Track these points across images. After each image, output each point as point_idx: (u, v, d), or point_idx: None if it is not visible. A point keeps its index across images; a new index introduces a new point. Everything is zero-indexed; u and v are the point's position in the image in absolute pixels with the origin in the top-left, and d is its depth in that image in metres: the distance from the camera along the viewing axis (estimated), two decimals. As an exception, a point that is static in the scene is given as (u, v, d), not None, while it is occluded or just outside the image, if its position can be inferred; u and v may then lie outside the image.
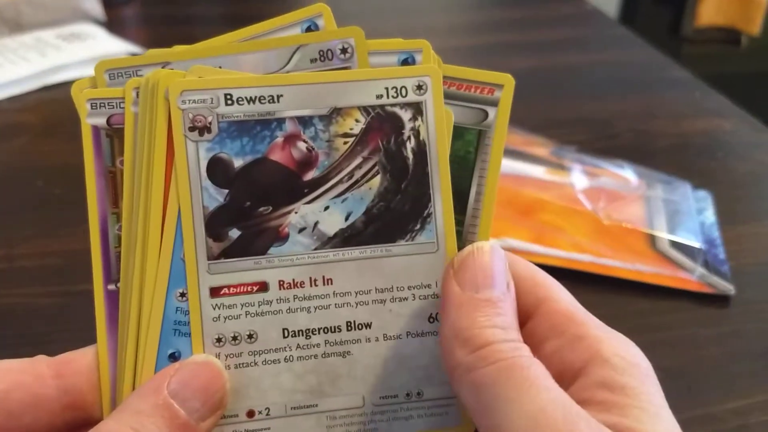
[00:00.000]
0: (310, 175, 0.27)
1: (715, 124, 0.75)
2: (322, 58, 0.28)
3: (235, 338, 0.27)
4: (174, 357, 0.26)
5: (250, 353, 0.27)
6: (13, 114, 0.73)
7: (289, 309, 0.27)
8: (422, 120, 0.27)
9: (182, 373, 0.25)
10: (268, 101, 0.27)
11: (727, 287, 0.51)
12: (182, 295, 0.27)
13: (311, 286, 0.27)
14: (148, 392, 0.25)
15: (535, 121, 0.71)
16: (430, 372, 0.28)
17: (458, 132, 0.28)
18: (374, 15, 1.01)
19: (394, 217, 0.27)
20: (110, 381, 0.27)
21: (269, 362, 0.27)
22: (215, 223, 0.26)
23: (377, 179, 0.27)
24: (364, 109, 0.27)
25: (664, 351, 0.46)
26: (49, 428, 0.27)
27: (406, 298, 0.27)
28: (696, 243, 0.54)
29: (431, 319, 0.28)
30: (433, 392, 0.28)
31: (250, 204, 0.27)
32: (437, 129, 0.27)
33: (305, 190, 0.27)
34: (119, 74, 0.27)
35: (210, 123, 0.26)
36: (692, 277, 0.51)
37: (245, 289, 0.27)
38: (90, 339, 0.27)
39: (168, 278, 0.26)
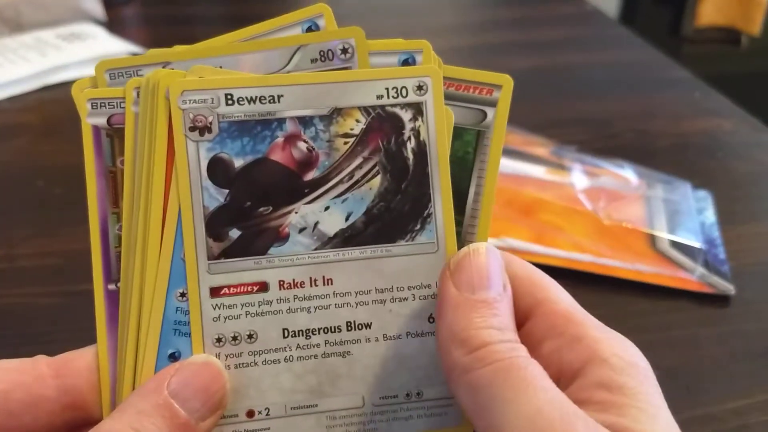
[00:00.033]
0: (311, 176, 0.27)
1: (715, 124, 0.75)
2: (323, 59, 0.28)
3: (235, 338, 0.27)
4: (174, 357, 0.26)
5: (250, 353, 0.27)
6: (13, 114, 0.73)
7: (289, 309, 0.27)
8: (422, 120, 0.27)
9: (182, 373, 0.25)
10: (269, 101, 0.27)
11: (727, 287, 0.51)
12: (182, 295, 0.27)
13: (311, 286, 0.27)
14: (149, 392, 0.25)
15: (535, 121, 0.71)
16: (429, 372, 0.28)
17: (457, 132, 0.28)
18: (374, 15, 1.01)
19: (394, 218, 0.27)
20: (110, 381, 0.27)
21: (269, 362, 0.27)
22: (215, 223, 0.26)
23: (377, 179, 0.27)
24: (365, 110, 0.27)
25: (664, 351, 0.46)
26: (48, 428, 0.27)
27: (406, 299, 0.28)
28: (696, 243, 0.54)
29: (431, 320, 0.28)
30: (432, 392, 0.28)
31: (251, 204, 0.27)
32: (437, 129, 0.27)
33: (305, 190, 0.27)
34: (120, 74, 0.27)
35: (210, 123, 0.26)
36: (692, 277, 0.51)
37: (245, 289, 0.27)
38: (90, 339, 0.27)
39: (168, 278, 0.26)
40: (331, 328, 0.27)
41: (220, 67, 0.27)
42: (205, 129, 0.26)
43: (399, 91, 0.27)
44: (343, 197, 0.27)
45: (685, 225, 0.56)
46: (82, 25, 0.90)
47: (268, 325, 0.27)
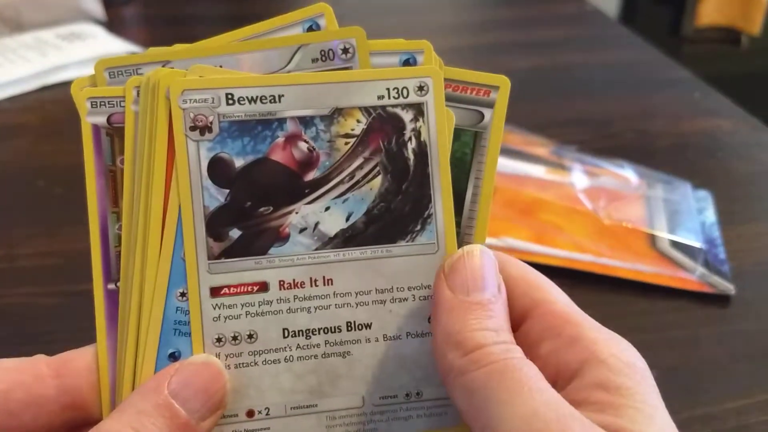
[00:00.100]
0: (311, 176, 0.27)
1: (715, 123, 0.75)
2: (324, 58, 0.27)
3: (235, 338, 0.27)
4: (174, 357, 0.26)
5: (250, 353, 0.27)
6: (13, 114, 0.73)
7: (289, 309, 0.27)
8: (423, 121, 0.27)
9: (183, 373, 0.25)
10: (270, 101, 0.27)
11: (728, 287, 0.51)
12: (182, 294, 0.27)
13: (311, 286, 0.27)
14: (149, 392, 0.25)
15: (535, 121, 0.71)
16: (429, 372, 0.28)
17: (455, 133, 0.28)
18: (374, 14, 1.01)
19: (394, 218, 0.27)
20: (110, 381, 0.27)
21: (269, 362, 0.27)
22: (216, 223, 0.26)
23: (378, 180, 0.27)
24: (366, 110, 0.27)
25: (664, 351, 0.46)
26: (48, 428, 0.27)
27: (406, 299, 0.27)
28: (696, 243, 0.54)
29: (431, 320, 0.28)
30: (432, 392, 0.28)
31: (251, 204, 0.27)
32: (438, 130, 0.27)
33: (306, 191, 0.27)
34: (119, 72, 0.27)
35: (211, 122, 0.26)
36: (692, 276, 0.51)
37: (245, 289, 0.27)
38: (90, 339, 0.27)
39: (168, 278, 0.26)
40: (331, 328, 0.27)
41: (221, 66, 0.27)
42: (205, 128, 0.26)
43: (400, 92, 0.27)
44: (344, 197, 0.27)
45: (685, 225, 0.56)
46: (82, 25, 0.89)
47: (269, 325, 0.27)
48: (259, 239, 0.27)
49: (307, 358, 0.27)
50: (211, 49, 0.27)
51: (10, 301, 0.49)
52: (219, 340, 0.27)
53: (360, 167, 0.27)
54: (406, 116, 0.27)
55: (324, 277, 0.27)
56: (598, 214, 0.56)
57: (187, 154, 0.26)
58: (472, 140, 0.28)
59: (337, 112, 0.27)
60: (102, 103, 0.27)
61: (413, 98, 0.27)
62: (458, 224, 0.28)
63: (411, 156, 0.27)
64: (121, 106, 0.27)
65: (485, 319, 0.25)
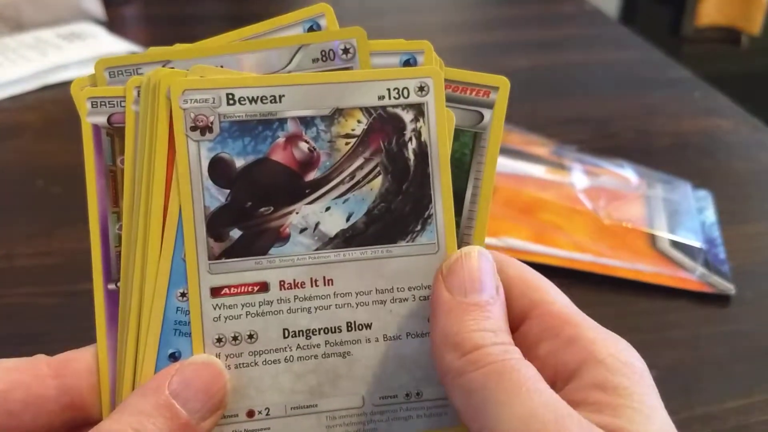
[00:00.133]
0: (312, 176, 0.27)
1: (715, 123, 0.75)
2: (324, 58, 0.27)
3: (235, 338, 0.27)
4: (174, 357, 0.26)
5: (251, 353, 0.27)
6: (13, 113, 0.73)
7: (289, 309, 0.27)
8: (424, 121, 0.27)
9: (183, 373, 0.25)
10: (270, 101, 0.27)
11: (728, 287, 0.51)
12: (183, 294, 0.26)
13: (312, 286, 0.27)
14: (149, 392, 0.25)
15: (535, 121, 0.71)
16: (429, 372, 0.28)
17: (454, 134, 0.28)
18: (374, 13, 1.01)
19: (395, 218, 0.27)
20: (110, 381, 0.27)
21: (269, 362, 0.27)
22: (216, 223, 0.26)
23: (378, 180, 0.27)
24: (366, 110, 0.27)
25: (664, 350, 0.46)
26: (48, 428, 0.27)
27: (406, 299, 0.27)
28: (696, 242, 0.54)
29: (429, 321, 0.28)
30: (432, 392, 0.28)
31: (252, 204, 0.27)
32: (438, 130, 0.27)
33: (306, 191, 0.27)
34: (119, 72, 0.27)
35: (212, 123, 0.26)
36: (692, 276, 0.51)
37: (246, 290, 0.27)
38: (90, 338, 0.27)
39: (168, 278, 0.26)
40: (331, 328, 0.27)
41: (221, 66, 0.27)
42: (206, 129, 0.26)
43: (400, 92, 0.27)
44: (344, 198, 0.27)
45: (685, 225, 0.56)
46: (82, 25, 0.89)
47: (269, 326, 0.27)
48: (259, 239, 0.27)
49: (307, 358, 0.27)
50: (212, 49, 0.27)
51: (9, 300, 0.49)
52: (219, 340, 0.27)
53: (360, 167, 0.27)
54: (407, 116, 0.27)
55: (324, 277, 0.27)
56: (598, 214, 0.56)
57: (188, 154, 0.26)
58: (472, 141, 0.28)
59: (338, 113, 0.27)
60: (102, 103, 0.27)
61: (414, 98, 0.27)
62: (457, 224, 0.28)
63: (411, 156, 0.27)
64: (121, 106, 0.27)
65: (483, 320, 0.25)
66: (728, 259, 0.54)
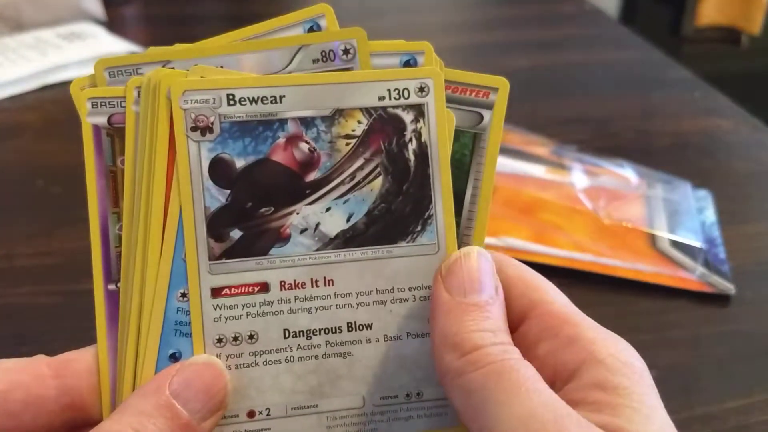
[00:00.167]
0: (312, 176, 0.27)
1: (715, 123, 0.75)
2: (325, 59, 0.27)
3: (236, 339, 0.27)
4: (174, 357, 0.26)
5: (251, 354, 0.27)
6: (13, 113, 0.73)
7: (290, 310, 0.27)
8: (424, 122, 0.27)
9: (184, 374, 0.25)
10: (271, 102, 0.27)
11: (728, 286, 0.51)
12: (183, 295, 0.26)
13: (312, 286, 0.27)
14: (150, 392, 0.25)
15: (535, 121, 0.71)
16: (429, 373, 0.28)
17: (454, 135, 0.28)
18: (374, 13, 1.01)
19: (395, 219, 0.27)
20: (110, 381, 0.27)
21: (270, 363, 0.27)
22: (217, 224, 0.26)
23: (379, 181, 0.27)
24: (367, 111, 0.27)
25: (664, 350, 0.46)
26: (48, 428, 0.27)
27: (406, 299, 0.28)
28: (696, 242, 0.54)
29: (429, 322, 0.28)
30: (432, 393, 0.28)
31: (252, 205, 0.27)
32: (439, 131, 0.27)
33: (307, 191, 0.27)
34: (119, 72, 0.27)
35: (212, 123, 0.26)
36: (692, 276, 0.51)
37: (246, 290, 0.27)
38: (90, 338, 0.27)
39: (169, 278, 0.26)
40: (331, 328, 0.27)
41: (221, 66, 0.27)
42: (206, 129, 0.26)
43: (401, 93, 0.27)
44: (345, 198, 0.27)
45: (685, 224, 0.56)
46: (82, 25, 0.89)
47: (269, 326, 0.27)
48: (260, 240, 0.27)
49: (307, 358, 0.27)
50: (212, 49, 0.27)
51: (9, 300, 0.49)
52: (220, 340, 0.27)
53: (361, 168, 0.27)
54: (407, 117, 0.27)
55: (325, 277, 0.27)
56: (598, 214, 0.56)
57: (188, 154, 0.26)
58: (471, 141, 0.28)
59: (338, 113, 0.27)
60: (102, 104, 0.27)
61: (414, 99, 0.27)
62: (457, 225, 0.28)
63: (412, 157, 0.27)
64: (121, 106, 0.27)
65: (482, 320, 0.25)
66: (728, 259, 0.54)
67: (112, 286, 0.27)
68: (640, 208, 0.58)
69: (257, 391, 0.27)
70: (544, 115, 0.74)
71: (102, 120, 0.27)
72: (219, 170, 0.26)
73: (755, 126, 0.75)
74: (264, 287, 0.27)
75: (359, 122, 0.27)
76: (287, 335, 0.27)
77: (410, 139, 0.27)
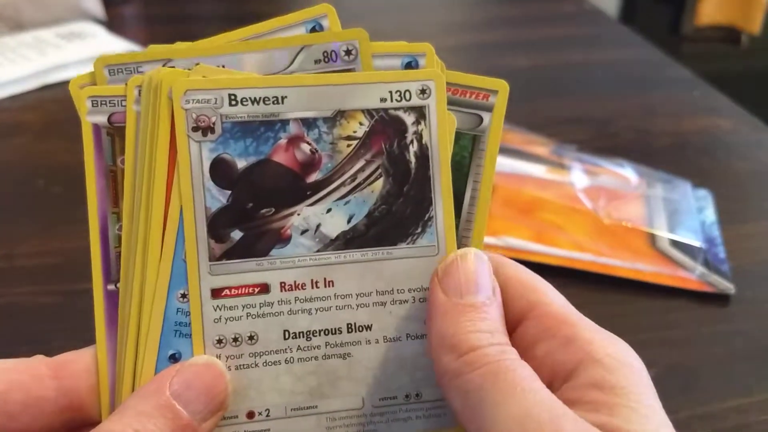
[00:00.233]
0: (313, 177, 0.27)
1: (715, 123, 0.75)
2: (326, 59, 0.27)
3: (235, 339, 0.27)
4: (174, 358, 0.26)
5: (251, 354, 0.27)
6: (13, 113, 0.73)
7: (290, 311, 0.27)
8: (425, 124, 0.27)
9: (184, 374, 0.25)
10: (273, 102, 0.26)
11: (727, 286, 0.51)
12: (183, 296, 0.26)
13: (312, 288, 0.27)
14: (150, 393, 0.25)
15: (535, 120, 0.71)
16: (428, 373, 0.28)
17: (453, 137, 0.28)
18: (375, 12, 1.01)
19: (395, 220, 0.27)
20: (109, 382, 0.27)
21: (270, 363, 0.27)
22: (217, 224, 0.26)
23: (380, 182, 0.27)
24: (368, 112, 0.27)
25: (664, 349, 0.46)
26: (47, 429, 0.26)
27: (406, 301, 0.28)
28: (696, 242, 0.54)
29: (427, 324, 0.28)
30: (431, 393, 0.28)
31: (253, 205, 0.27)
32: (440, 133, 0.27)
33: (308, 192, 0.27)
34: (119, 70, 0.27)
35: (214, 123, 0.26)
36: (692, 275, 0.51)
37: (246, 291, 0.27)
38: (90, 338, 0.27)
39: (169, 279, 0.26)
40: (331, 329, 0.27)
41: (223, 66, 0.27)
42: (208, 129, 0.26)
43: (402, 95, 0.27)
44: (346, 199, 0.27)
45: (685, 224, 0.56)
46: (81, 24, 0.89)
47: (269, 327, 0.27)
48: (260, 241, 0.27)
49: (307, 359, 0.27)
50: (213, 48, 0.27)
51: (9, 300, 0.49)
52: (220, 341, 0.27)
53: (362, 169, 0.27)
54: (408, 119, 0.27)
55: (325, 278, 0.27)
56: (597, 214, 0.56)
57: (189, 154, 0.26)
58: (471, 144, 0.28)
59: (340, 114, 0.27)
60: (103, 102, 0.27)
61: (415, 101, 0.27)
62: (456, 227, 0.28)
63: (412, 159, 0.27)
64: (122, 105, 0.27)
65: (479, 321, 0.25)
66: (728, 259, 0.54)
67: (111, 287, 0.27)
68: (639, 207, 0.58)
69: (257, 392, 0.27)
70: (544, 114, 0.74)
71: (102, 119, 0.27)
72: (220, 171, 0.26)
73: (755, 125, 0.75)
74: (264, 288, 0.27)
75: (361, 124, 0.27)
76: (287, 336, 0.27)
77: (411, 141, 0.27)
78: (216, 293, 0.27)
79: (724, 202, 0.60)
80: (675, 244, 0.54)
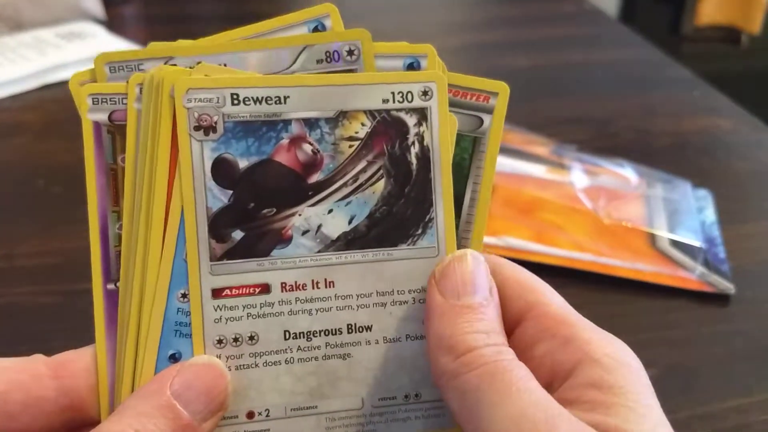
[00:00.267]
0: (315, 178, 0.27)
1: (715, 123, 0.75)
2: (329, 59, 0.27)
3: (236, 340, 0.27)
4: (174, 358, 0.26)
5: (251, 355, 0.27)
6: (13, 113, 0.73)
7: (290, 311, 0.27)
8: (427, 126, 0.27)
9: (185, 374, 0.25)
10: (275, 102, 0.26)
11: (727, 286, 0.51)
12: (184, 295, 0.26)
13: (313, 288, 0.27)
14: (150, 393, 0.25)
15: (535, 120, 0.71)
16: (427, 374, 0.28)
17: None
18: (376, 12, 1.01)
19: (396, 222, 0.27)
20: (108, 382, 0.27)
21: (270, 364, 0.27)
22: (218, 224, 0.26)
23: (381, 183, 0.27)
24: (370, 113, 0.27)
25: (664, 349, 0.46)
26: (46, 429, 0.26)
27: (406, 302, 0.28)
28: (696, 242, 0.54)
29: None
30: (430, 394, 0.28)
31: (254, 205, 0.27)
32: (441, 135, 0.27)
33: (309, 193, 0.27)
34: (120, 68, 0.27)
35: (216, 122, 0.26)
36: (692, 275, 0.51)
37: (247, 291, 0.27)
38: (89, 338, 0.27)
39: (170, 279, 0.26)
40: (332, 330, 0.27)
41: (225, 64, 0.27)
42: (210, 128, 0.26)
43: (405, 96, 0.27)
44: (347, 200, 0.27)
45: (685, 224, 0.56)
46: (81, 24, 0.89)
47: (270, 327, 0.27)
48: (261, 241, 0.27)
49: (307, 359, 0.27)
50: (216, 46, 0.27)
51: (9, 300, 0.49)
52: (220, 341, 0.27)
53: (363, 170, 0.27)
54: (410, 120, 0.27)
55: (326, 279, 0.27)
56: (597, 214, 0.56)
57: (191, 154, 0.26)
58: (471, 145, 0.28)
59: (342, 115, 0.27)
60: (104, 100, 0.27)
61: (417, 103, 0.27)
62: (456, 228, 0.28)
63: (414, 160, 0.27)
64: (123, 103, 0.27)
65: (476, 321, 0.25)
66: (728, 259, 0.54)
67: (111, 286, 0.27)
68: (639, 207, 0.58)
69: (257, 392, 0.27)
70: (544, 114, 0.74)
71: (103, 117, 0.27)
72: (222, 170, 0.26)
73: (755, 125, 0.75)
74: (265, 288, 0.27)
75: (363, 124, 0.27)
76: (287, 336, 0.27)
77: (413, 143, 0.27)
78: (217, 293, 0.26)
79: (724, 202, 0.60)
80: (675, 244, 0.54)
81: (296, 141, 0.27)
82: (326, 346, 0.27)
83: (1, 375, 0.26)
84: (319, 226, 0.27)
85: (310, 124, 0.27)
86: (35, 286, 0.50)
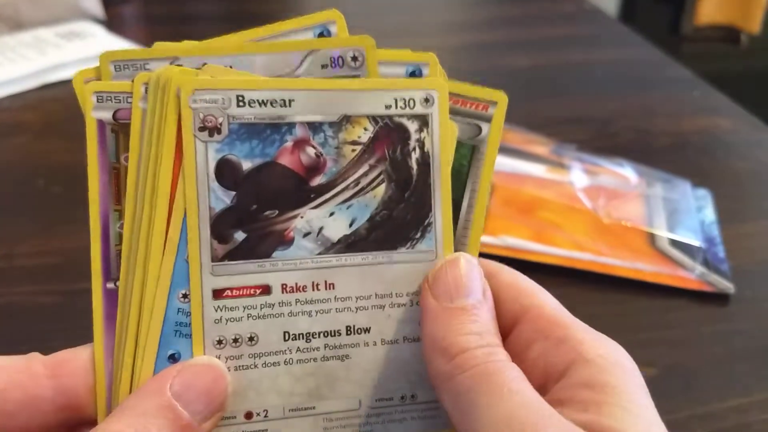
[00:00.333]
0: (317, 181, 0.27)
1: (714, 122, 0.75)
2: (333, 65, 0.28)
3: (236, 340, 0.27)
4: (174, 358, 0.26)
5: (251, 356, 0.27)
6: (13, 112, 0.73)
7: (290, 312, 0.27)
8: (428, 132, 0.27)
9: (185, 375, 0.25)
10: (280, 105, 0.26)
11: (727, 285, 0.51)
12: (184, 296, 0.26)
13: (313, 290, 0.27)
14: (150, 393, 0.25)
15: (535, 120, 0.71)
16: (423, 376, 0.28)
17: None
18: (377, 12, 1.01)
19: (396, 225, 0.27)
20: (106, 381, 0.27)
21: (269, 365, 0.27)
22: (221, 225, 0.26)
23: (382, 187, 0.27)
24: (373, 118, 0.27)
25: (664, 349, 0.46)
26: (44, 429, 0.26)
27: (404, 304, 0.28)
28: (696, 241, 0.54)
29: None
30: (426, 395, 0.28)
31: (257, 207, 0.27)
32: (441, 142, 0.27)
33: (312, 195, 0.27)
34: (125, 66, 0.27)
35: (220, 124, 0.26)
36: (692, 275, 0.52)
37: (248, 292, 0.27)
38: (89, 338, 0.27)
39: (171, 279, 0.26)
40: (331, 332, 0.27)
41: (230, 66, 0.27)
42: (214, 130, 0.26)
43: (407, 102, 0.27)
44: (348, 203, 0.27)
45: (684, 223, 0.56)
46: (81, 24, 0.89)
47: (270, 328, 0.27)
48: (263, 242, 0.27)
49: (306, 361, 0.27)
50: (221, 48, 0.27)
51: (9, 299, 0.49)
52: (220, 342, 0.27)
53: (365, 174, 0.27)
54: (412, 126, 0.27)
55: (326, 281, 0.27)
56: (597, 213, 0.56)
57: (195, 154, 0.26)
58: (470, 153, 0.29)
59: (346, 119, 0.27)
60: (108, 98, 0.26)
61: (419, 109, 0.27)
62: (453, 233, 0.28)
63: (414, 166, 0.27)
64: (127, 101, 0.26)
65: (469, 323, 0.25)
66: (727, 258, 0.54)
67: (110, 285, 0.27)
68: (639, 207, 0.58)
69: (256, 393, 0.27)
70: (544, 114, 0.74)
71: (107, 115, 0.27)
72: (225, 171, 0.26)
73: (755, 125, 0.75)
74: (265, 290, 0.27)
75: (365, 129, 0.27)
76: (287, 338, 0.27)
77: (414, 148, 0.27)
78: (217, 294, 0.27)
79: (724, 202, 0.60)
80: (674, 243, 0.54)
81: (300, 144, 0.27)
82: (325, 347, 0.27)
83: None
84: (321, 229, 0.27)
85: (314, 127, 0.27)
86: (35, 286, 0.50)
